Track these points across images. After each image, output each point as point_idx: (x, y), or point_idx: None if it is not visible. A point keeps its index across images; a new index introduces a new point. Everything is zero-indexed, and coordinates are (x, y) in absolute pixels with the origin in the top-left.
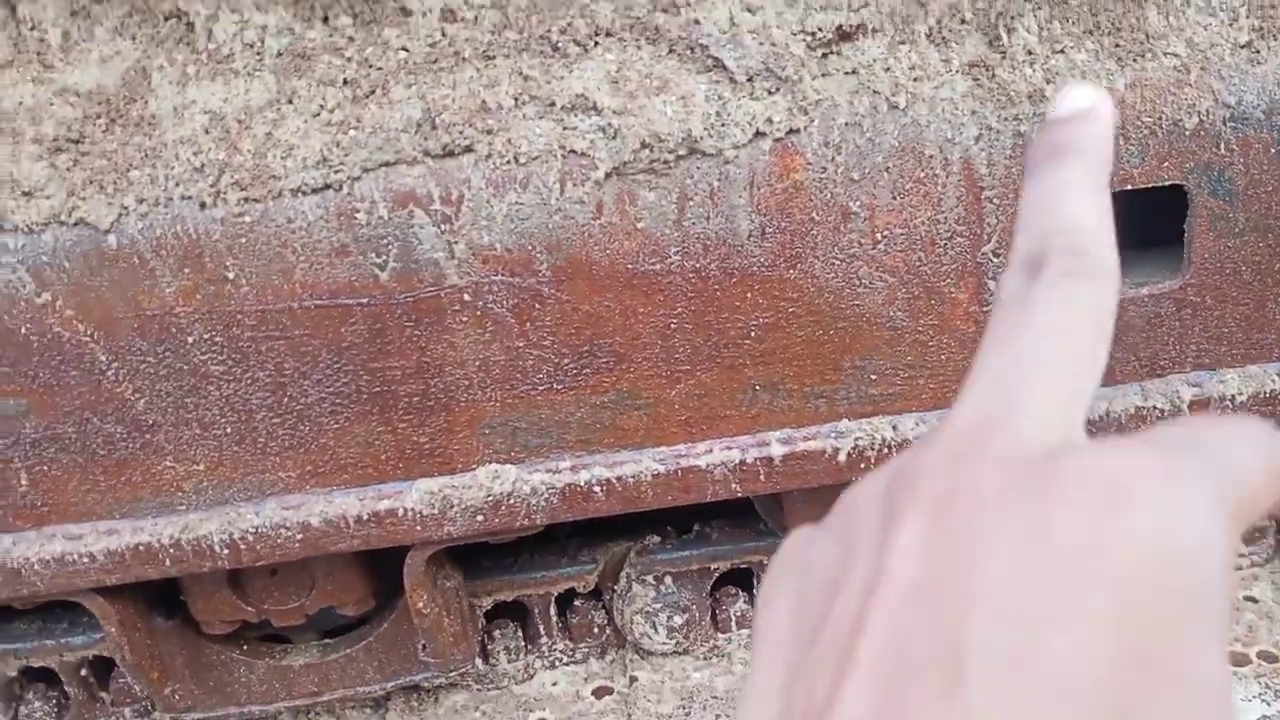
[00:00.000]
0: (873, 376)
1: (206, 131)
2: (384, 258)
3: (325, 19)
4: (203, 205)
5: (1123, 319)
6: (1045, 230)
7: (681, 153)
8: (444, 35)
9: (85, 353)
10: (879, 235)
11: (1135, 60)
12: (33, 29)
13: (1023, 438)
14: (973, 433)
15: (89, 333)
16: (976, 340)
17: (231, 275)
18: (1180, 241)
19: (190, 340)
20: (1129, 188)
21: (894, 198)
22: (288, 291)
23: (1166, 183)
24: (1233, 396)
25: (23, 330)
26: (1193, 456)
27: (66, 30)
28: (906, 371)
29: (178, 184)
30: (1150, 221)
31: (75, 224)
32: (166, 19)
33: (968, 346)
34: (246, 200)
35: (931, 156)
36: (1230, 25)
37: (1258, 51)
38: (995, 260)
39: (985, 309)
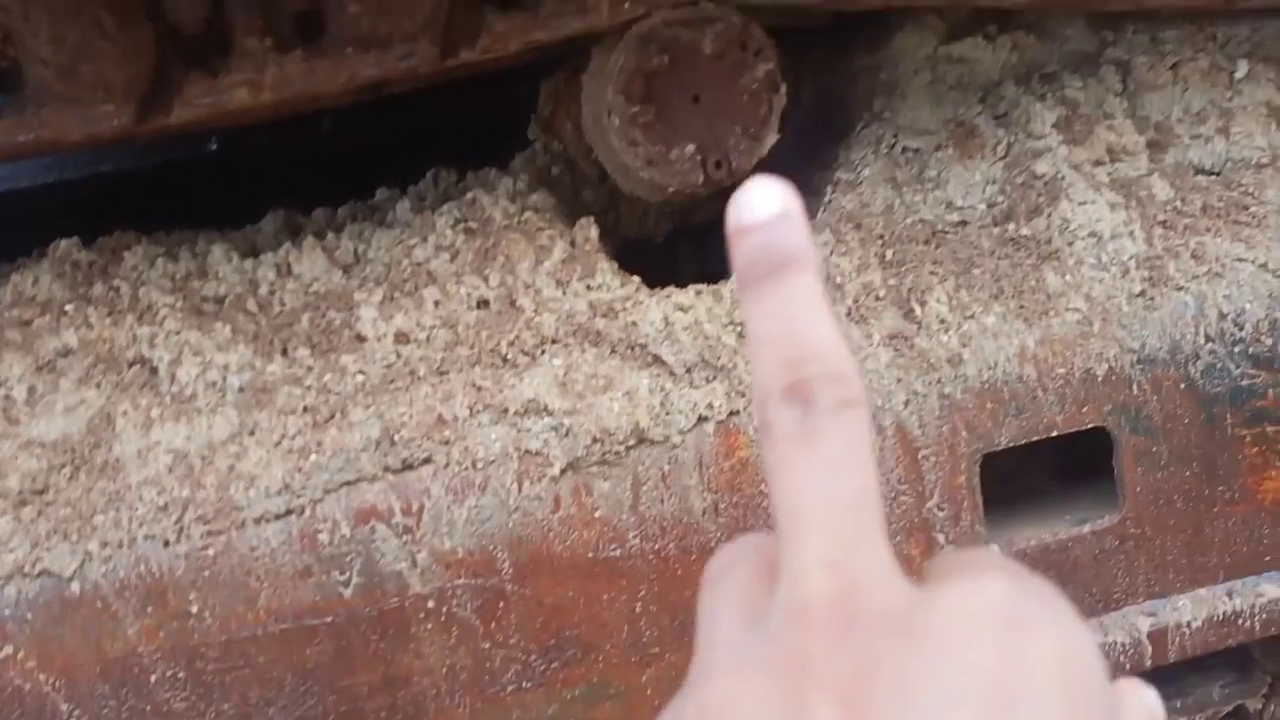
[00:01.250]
0: None
1: (170, 470)
2: (347, 574)
3: (284, 352)
4: (166, 543)
5: (1070, 558)
6: (798, 357)
7: (631, 443)
8: (399, 356)
9: (46, 703)
10: None
11: (1040, 318)
12: (0, 386)
13: (884, 594)
14: (837, 605)
15: (50, 682)
16: None
17: (195, 609)
18: (1111, 477)
19: (153, 679)
20: (1054, 434)
21: None
22: (252, 620)
23: (1089, 425)
24: (1188, 623)
25: None
26: (1027, 575)
27: (33, 385)
28: None
29: (141, 524)
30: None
31: (39, 575)
32: (130, 366)
33: None
34: (210, 534)
35: None
36: (1123, 278)
37: (1152, 299)
38: (940, 514)
39: None
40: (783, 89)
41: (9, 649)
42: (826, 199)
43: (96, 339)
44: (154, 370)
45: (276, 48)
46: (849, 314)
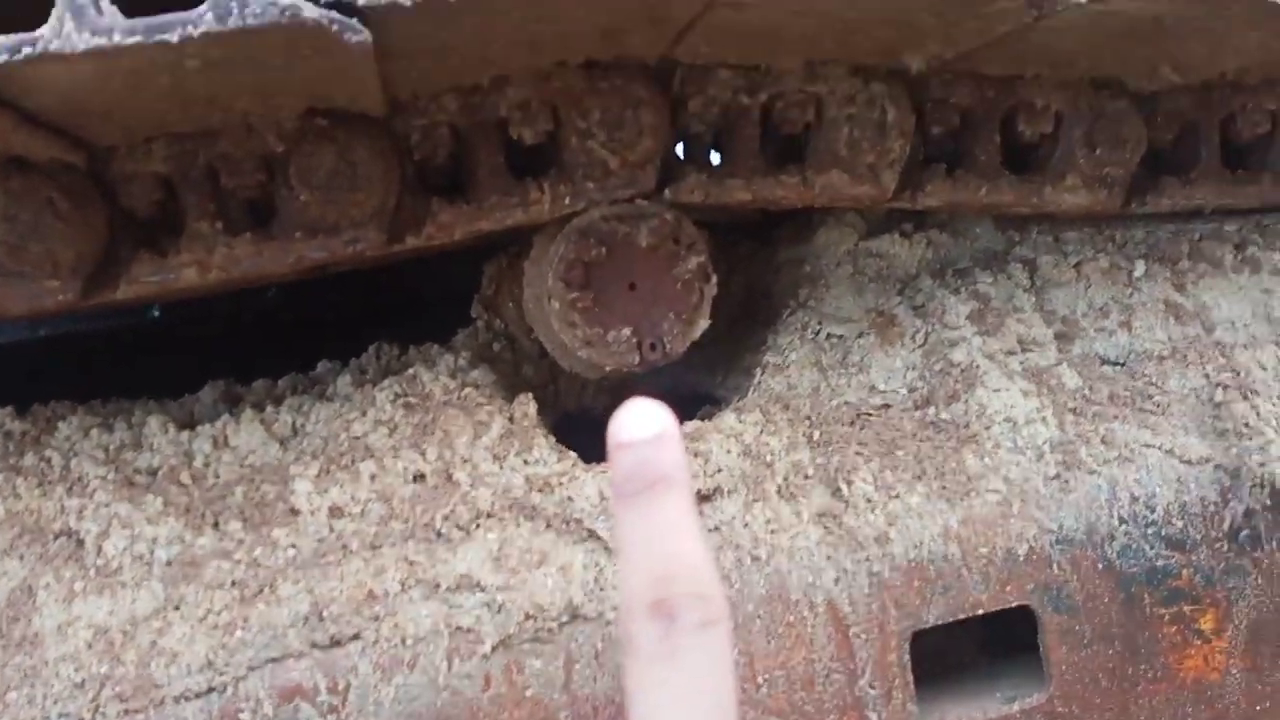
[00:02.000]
0: None
1: (89, 646)
2: None
3: (215, 525)
4: None
5: None
6: (664, 574)
7: (565, 619)
8: (332, 530)
9: None
10: (760, 680)
11: (962, 499)
12: None
13: None
14: None
15: None
16: None
17: None
18: (1038, 653)
19: None
20: (980, 613)
21: (768, 641)
22: None
23: (1013, 604)
24: None
25: None
26: None
27: None
28: None
29: (56, 702)
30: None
31: None
32: (57, 537)
33: None
34: (126, 712)
35: (797, 600)
36: (1038, 461)
37: (1066, 482)
38: (872, 691)
39: None
40: (713, 278)
41: None
42: (756, 380)
43: (24, 510)
44: (80, 542)
45: (226, 230)
46: (778, 491)
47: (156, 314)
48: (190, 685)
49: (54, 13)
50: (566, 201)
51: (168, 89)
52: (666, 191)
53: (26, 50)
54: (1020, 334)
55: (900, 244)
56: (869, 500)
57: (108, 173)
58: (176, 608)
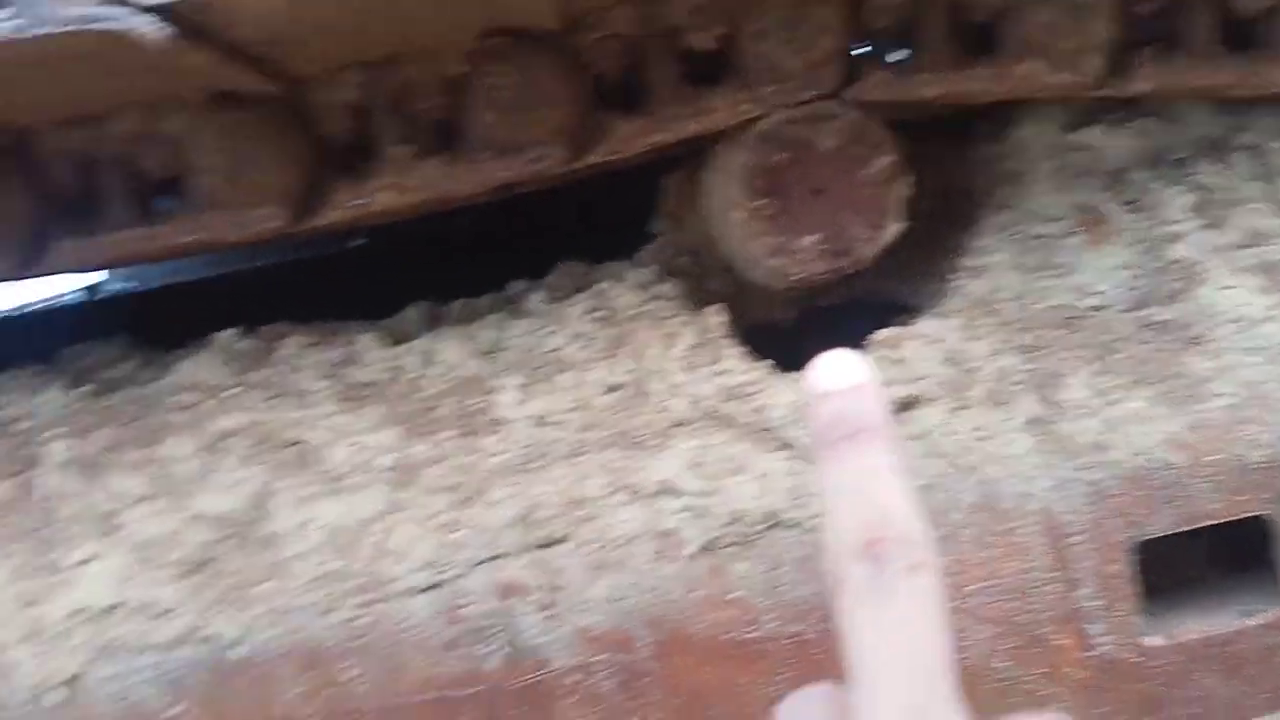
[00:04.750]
0: None
1: (325, 544)
2: (491, 647)
3: (429, 433)
4: (323, 612)
5: (1236, 651)
6: (873, 519)
7: (766, 525)
8: (536, 439)
9: None
10: (969, 588)
11: (1187, 404)
12: (169, 464)
13: None
14: None
15: None
16: (1089, 687)
17: (350, 676)
18: (1272, 567)
19: None
20: (1210, 523)
21: (979, 550)
22: (403, 688)
23: (1246, 514)
24: None
25: None
26: None
27: (199, 463)
28: None
29: (299, 594)
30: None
31: (206, 640)
32: (288, 446)
33: (1080, 693)
34: (363, 604)
35: (1009, 510)
36: (1275, 363)
37: None
38: (1093, 604)
39: (1090, 655)
40: (905, 179)
41: (179, 708)
42: (954, 285)
43: (257, 421)
44: (309, 451)
45: (418, 154)
46: (985, 399)
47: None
48: (418, 581)
49: None
50: (745, 108)
51: (356, 15)
52: (849, 91)
53: None
54: (1250, 226)
55: (1108, 135)
56: (1084, 406)
57: (306, 103)
58: (400, 510)
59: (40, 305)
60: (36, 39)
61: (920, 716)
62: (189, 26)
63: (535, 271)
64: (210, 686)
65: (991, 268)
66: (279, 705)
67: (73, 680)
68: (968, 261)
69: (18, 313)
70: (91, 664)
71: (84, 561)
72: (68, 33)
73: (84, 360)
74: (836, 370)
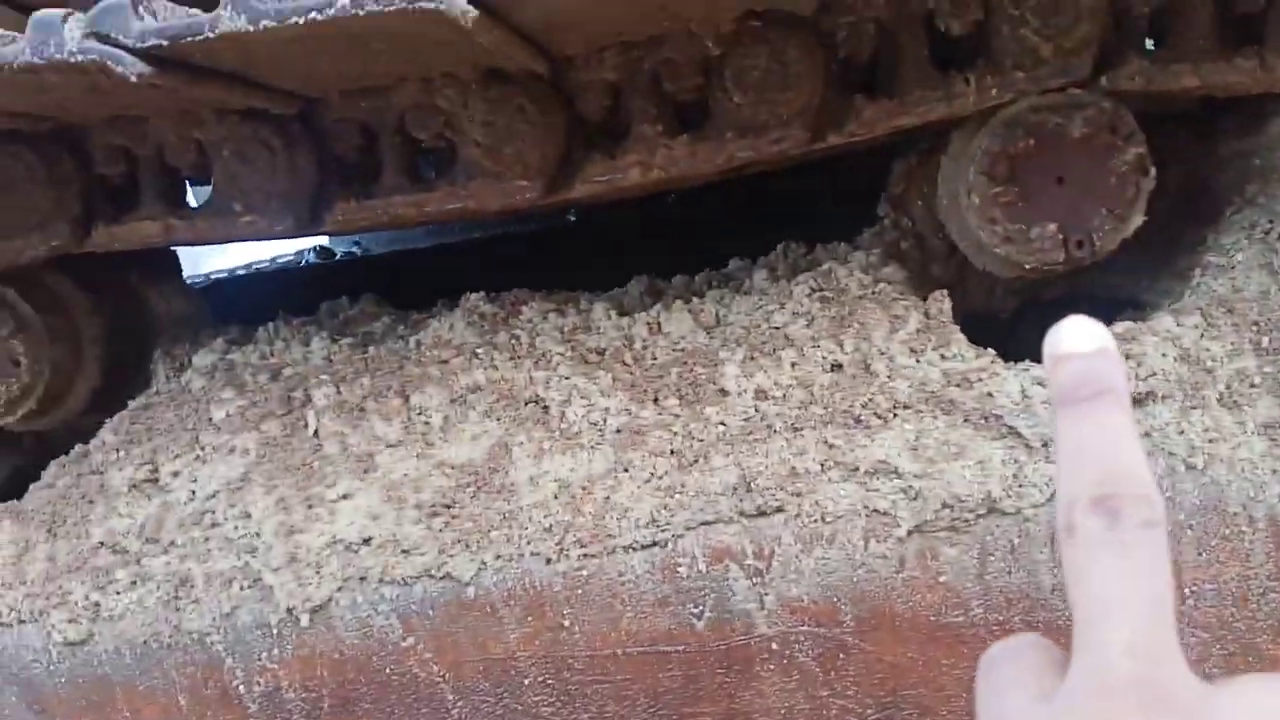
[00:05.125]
0: None
1: (555, 497)
2: (701, 608)
3: (656, 400)
4: (548, 561)
5: None
6: (1110, 474)
7: (981, 512)
8: (757, 411)
9: (436, 692)
10: (1187, 591)
11: None
12: (420, 414)
13: (1182, 683)
14: (1141, 685)
15: (441, 674)
16: None
17: (567, 623)
18: None
19: (526, 683)
20: None
21: (1199, 554)
22: (614, 639)
23: None
24: None
25: (387, 670)
26: None
27: (447, 415)
28: None
29: (529, 542)
30: None
31: (442, 578)
32: (527, 404)
33: None
34: (585, 556)
35: (1235, 514)
36: None
37: None
38: None
39: None
40: (1152, 172)
41: (411, 640)
42: (1194, 282)
43: (500, 379)
44: (546, 409)
45: (666, 132)
46: (1219, 399)
47: (572, 218)
48: (637, 538)
49: None
50: (994, 93)
51: (629, 2)
52: (1103, 79)
53: None
54: None
55: None
56: None
57: (565, 81)
58: (625, 470)
59: (284, 261)
60: (365, 15)
61: (1150, 647)
62: (488, 9)
63: (749, 250)
64: (441, 622)
65: (1235, 266)
66: (501, 644)
67: (323, 606)
68: (1210, 259)
69: (270, 266)
70: (340, 592)
71: (341, 498)
72: (397, 10)
73: (342, 314)
74: (1080, 333)
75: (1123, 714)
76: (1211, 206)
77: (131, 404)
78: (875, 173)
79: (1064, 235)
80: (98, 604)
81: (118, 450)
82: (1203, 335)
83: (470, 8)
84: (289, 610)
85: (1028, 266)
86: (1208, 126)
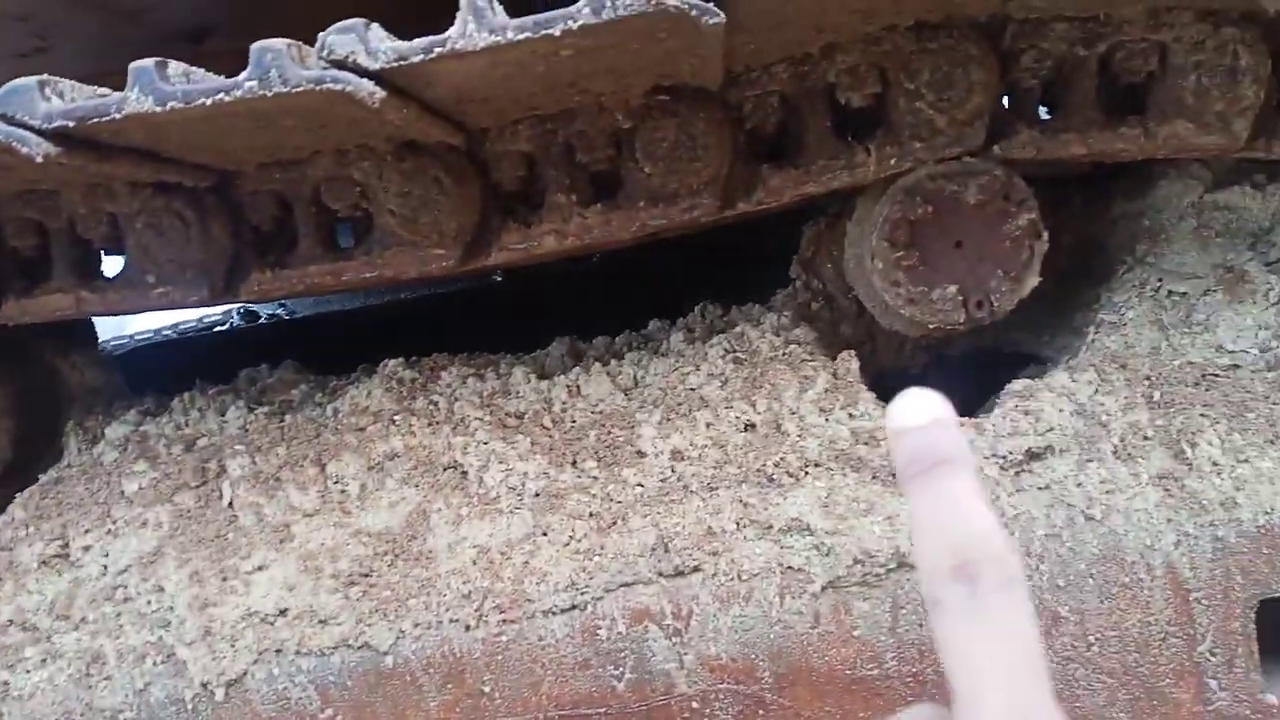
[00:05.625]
0: None
1: (474, 563)
2: (621, 669)
3: (574, 463)
4: (467, 628)
5: None
6: (961, 542)
7: (892, 566)
8: (673, 472)
9: None
10: (1091, 639)
11: None
12: (336, 482)
13: None
14: None
15: None
16: None
17: (487, 689)
18: None
19: None
20: None
21: (1101, 601)
22: (535, 703)
23: None
24: None
25: None
26: None
27: (364, 483)
28: None
29: (447, 609)
30: None
31: (360, 647)
32: (445, 470)
33: None
34: (504, 621)
35: (1134, 563)
36: None
37: None
38: (1212, 659)
39: (1209, 708)
40: (1044, 235)
41: (329, 711)
42: (1089, 339)
43: (418, 445)
44: (465, 474)
45: (579, 202)
46: (1114, 452)
47: (498, 278)
48: (556, 602)
49: (459, 15)
50: (893, 162)
51: (540, 76)
52: (996, 148)
53: (438, 49)
54: None
55: (1252, 196)
56: (1215, 464)
57: (481, 152)
58: (544, 534)
59: (210, 321)
60: (275, 96)
61: (1024, 716)
62: (396, 89)
63: (667, 309)
64: (360, 692)
65: (1127, 323)
66: (421, 712)
67: (238, 680)
68: (1103, 316)
69: (192, 330)
70: (256, 664)
71: (257, 569)
72: (304, 91)
73: (260, 382)
74: (914, 408)
75: None
76: (1104, 265)
77: (42, 478)
78: (788, 236)
79: (964, 296)
80: (6, 683)
81: (27, 526)
82: (1097, 390)
83: (377, 89)
84: (204, 685)
85: (931, 327)
86: (1100, 188)
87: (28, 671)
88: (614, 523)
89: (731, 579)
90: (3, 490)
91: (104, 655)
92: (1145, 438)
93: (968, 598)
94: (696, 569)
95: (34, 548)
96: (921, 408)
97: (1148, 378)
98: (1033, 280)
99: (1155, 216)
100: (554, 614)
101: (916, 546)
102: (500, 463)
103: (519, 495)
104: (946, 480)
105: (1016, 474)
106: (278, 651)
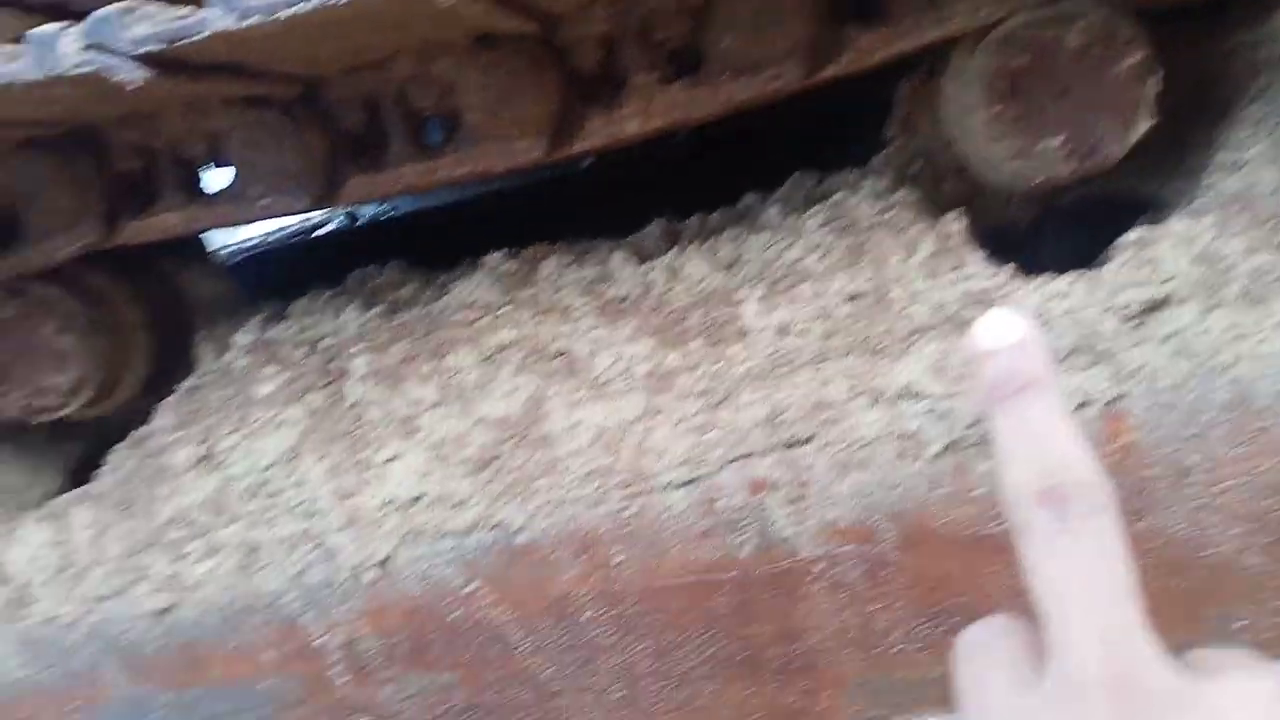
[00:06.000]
0: (1236, 626)
1: (592, 444)
2: (744, 537)
3: (680, 344)
4: (593, 504)
5: None
6: (1050, 466)
7: None
8: (780, 347)
9: (502, 632)
10: (1221, 485)
11: None
12: (454, 375)
13: (1158, 674)
14: (1116, 681)
15: (504, 616)
16: None
17: (617, 561)
18: None
19: (584, 618)
20: None
21: (1231, 449)
22: (664, 571)
23: None
24: None
25: (453, 616)
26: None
27: (480, 373)
28: (1273, 618)
29: (572, 488)
30: None
31: (493, 527)
32: (555, 357)
33: None
34: (627, 497)
35: (1264, 408)
36: None
37: None
38: None
39: None
40: (1157, 74)
41: (474, 585)
42: (1207, 181)
43: (527, 335)
44: (574, 360)
45: (662, 80)
46: (1240, 297)
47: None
48: (675, 476)
49: None
50: (986, 12)
51: None
52: None
53: None
54: None
55: None
56: None
57: (558, 38)
58: (658, 413)
59: (306, 231)
60: (350, 3)
61: (1120, 639)
62: None
63: (763, 182)
64: (499, 568)
65: (1248, 162)
66: (557, 584)
67: (385, 561)
68: (1222, 156)
69: (300, 237)
70: (400, 547)
71: (390, 460)
72: None
73: (371, 283)
74: (997, 329)
75: (1101, 713)
76: (1221, 102)
77: (181, 387)
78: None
79: (1072, 146)
80: (176, 574)
81: (174, 432)
82: (1219, 234)
83: None
84: (354, 568)
85: (1038, 180)
86: (1215, 19)
87: (194, 563)
88: (724, 399)
89: (847, 446)
90: (148, 399)
91: (260, 545)
92: (1273, 280)
93: (1056, 521)
94: (810, 439)
95: (183, 451)
96: (1007, 328)
97: (1273, 218)
98: (1145, 124)
99: (1275, 47)
100: (674, 488)
101: (1002, 471)
102: (608, 347)
103: (628, 377)
104: (1035, 403)
105: (1137, 326)
106: (418, 534)
